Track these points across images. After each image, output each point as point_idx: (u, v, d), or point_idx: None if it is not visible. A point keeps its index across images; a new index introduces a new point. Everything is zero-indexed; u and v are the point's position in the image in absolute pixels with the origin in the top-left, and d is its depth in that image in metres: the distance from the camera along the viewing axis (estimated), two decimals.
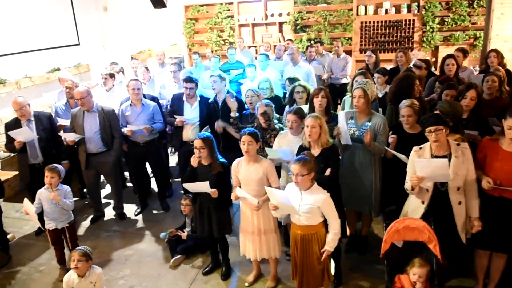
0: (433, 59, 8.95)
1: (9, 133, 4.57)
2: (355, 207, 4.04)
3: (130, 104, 5.02)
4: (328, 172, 3.39)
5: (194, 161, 3.67)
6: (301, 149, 3.60)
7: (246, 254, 3.73)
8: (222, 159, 3.75)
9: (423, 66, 5.40)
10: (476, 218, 3.19)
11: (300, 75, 6.19)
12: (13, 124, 4.67)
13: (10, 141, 4.63)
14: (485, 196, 3.23)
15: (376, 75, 5.23)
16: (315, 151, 3.50)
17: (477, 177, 3.21)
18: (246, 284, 3.86)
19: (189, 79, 4.93)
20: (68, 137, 4.69)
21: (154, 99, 5.39)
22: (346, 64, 7.21)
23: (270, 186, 3.51)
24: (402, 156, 3.52)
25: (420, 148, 3.27)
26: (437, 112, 3.48)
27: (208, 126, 5.05)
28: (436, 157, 3.16)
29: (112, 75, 5.72)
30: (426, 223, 3.04)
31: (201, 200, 3.76)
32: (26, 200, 3.83)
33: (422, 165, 3.07)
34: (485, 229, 3.19)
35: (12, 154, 5.85)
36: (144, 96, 5.16)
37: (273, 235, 3.65)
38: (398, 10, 9.09)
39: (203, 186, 3.61)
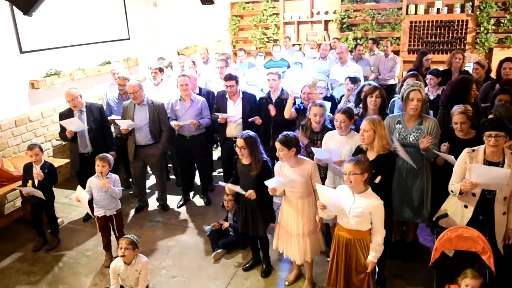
0: (487, 61, 8.54)
1: (60, 122, 4.79)
2: (401, 216, 3.87)
3: (180, 99, 5.11)
4: (378, 179, 3.25)
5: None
6: (358, 150, 3.52)
7: (290, 257, 3.68)
8: (265, 158, 3.73)
9: (485, 66, 5.19)
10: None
11: (346, 75, 6.11)
12: (66, 114, 4.88)
13: (63, 130, 4.86)
14: None
15: (428, 76, 5.06)
16: (370, 155, 3.37)
17: None
18: (287, 283, 3.84)
19: (228, 77, 4.95)
20: (122, 125, 4.84)
21: (209, 93, 5.46)
22: (395, 65, 7.03)
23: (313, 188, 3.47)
24: (450, 158, 3.38)
25: (473, 151, 3.13)
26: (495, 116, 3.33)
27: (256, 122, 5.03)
28: (489, 162, 3.04)
29: (161, 70, 5.85)
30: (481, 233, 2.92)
31: (244, 199, 3.76)
32: (79, 187, 3.98)
33: (480, 172, 2.93)
34: None
35: (64, 143, 6.11)
36: (200, 90, 5.21)
37: (315, 235, 3.60)
38: (450, 10, 8.74)
39: (238, 189, 3.66)
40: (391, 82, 7.02)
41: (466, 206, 3.15)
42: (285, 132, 3.51)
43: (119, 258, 3.51)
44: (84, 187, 4.08)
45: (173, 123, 5.07)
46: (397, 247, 4.13)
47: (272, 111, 4.83)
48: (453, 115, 3.58)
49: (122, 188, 4.23)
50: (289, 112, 4.70)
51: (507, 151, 3.04)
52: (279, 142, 3.41)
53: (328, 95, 5.18)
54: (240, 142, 3.63)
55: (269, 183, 3.40)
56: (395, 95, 5.06)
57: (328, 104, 4.70)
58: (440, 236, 3.01)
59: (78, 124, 4.76)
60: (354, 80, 5.08)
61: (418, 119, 3.69)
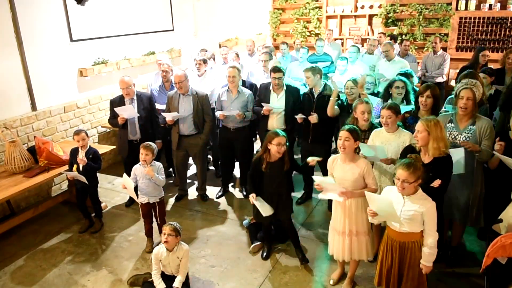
0: None
1: (115, 109, 4.92)
2: (449, 216, 3.78)
3: (227, 90, 5.14)
4: (437, 183, 3.10)
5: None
6: (408, 149, 3.38)
7: (335, 255, 3.61)
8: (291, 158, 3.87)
9: None
10: None
11: (394, 70, 5.95)
12: (118, 101, 5.03)
13: (114, 116, 5.00)
14: None
15: (481, 75, 4.82)
16: (425, 158, 3.22)
17: None
18: (331, 282, 3.79)
19: (277, 69, 4.92)
20: (168, 117, 4.92)
21: (252, 86, 5.47)
22: (444, 62, 6.79)
23: (366, 187, 3.39)
24: (509, 161, 3.21)
25: None
26: None
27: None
28: None
29: (205, 61, 5.90)
30: None
31: (269, 190, 3.87)
32: (125, 175, 4.08)
33: None
34: None
35: (108, 130, 6.29)
36: (244, 82, 5.23)
37: (365, 237, 3.49)
38: (503, 6, 8.30)
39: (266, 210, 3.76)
40: (439, 80, 6.77)
41: None
42: (351, 125, 3.50)
43: (162, 245, 3.58)
44: (130, 173, 4.18)
45: (218, 113, 5.12)
46: (441, 251, 3.99)
47: (312, 119, 4.73)
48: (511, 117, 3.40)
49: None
50: (332, 109, 4.59)
51: None
52: (348, 131, 3.32)
53: (375, 91, 5.05)
54: (283, 139, 3.67)
55: (318, 179, 3.38)
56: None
57: (375, 100, 4.60)
58: (494, 242, 2.88)
59: (131, 112, 4.90)
60: (406, 76, 4.89)
61: (471, 119, 3.53)
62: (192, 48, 7.82)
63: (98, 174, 4.78)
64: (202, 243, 4.47)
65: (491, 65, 6.91)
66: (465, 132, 3.54)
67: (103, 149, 5.29)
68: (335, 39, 9.53)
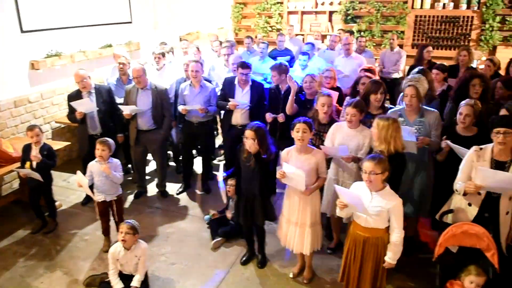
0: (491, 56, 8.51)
1: (71, 103, 4.72)
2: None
3: (190, 84, 5.06)
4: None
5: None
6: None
7: (290, 246, 3.64)
8: (274, 149, 3.68)
9: (498, 64, 5.17)
10: None
11: (352, 67, 6.06)
12: (75, 96, 4.83)
13: (71, 111, 4.81)
14: None
15: (434, 71, 5.00)
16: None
17: None
18: (291, 275, 3.83)
19: (244, 65, 4.88)
20: (126, 110, 4.78)
21: (209, 82, 5.40)
22: (400, 59, 6.97)
23: (319, 177, 3.45)
24: (461, 151, 3.33)
25: (481, 149, 3.08)
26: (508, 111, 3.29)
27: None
28: (497, 161, 3.01)
29: (164, 55, 5.78)
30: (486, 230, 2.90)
31: (244, 189, 3.72)
32: (79, 173, 3.93)
33: (485, 175, 2.89)
34: None
35: (62, 125, 6.04)
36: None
37: (316, 227, 3.57)
38: (456, 6, 8.64)
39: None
40: (395, 75, 6.96)
41: (470, 205, 3.12)
42: (305, 117, 3.50)
43: (119, 243, 3.49)
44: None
45: (180, 107, 5.03)
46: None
47: (280, 118, 4.72)
48: (461, 106, 3.55)
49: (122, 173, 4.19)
50: (291, 108, 4.58)
51: None
52: (304, 123, 3.34)
53: (335, 86, 5.11)
54: (249, 133, 3.51)
55: (288, 168, 3.35)
56: None
57: (335, 95, 4.66)
58: (445, 232, 3.00)
59: (89, 105, 4.72)
60: (370, 72, 4.96)
61: (419, 112, 3.67)
62: (151, 41, 7.62)
63: (52, 172, 4.59)
64: (162, 241, 4.39)
65: (444, 62, 7.20)
66: (415, 125, 3.66)
67: (57, 145, 5.08)
68: (296, 35, 9.60)
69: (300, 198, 3.48)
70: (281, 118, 4.71)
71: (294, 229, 3.57)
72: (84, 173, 4.01)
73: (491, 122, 3.03)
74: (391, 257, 2.97)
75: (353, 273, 3.19)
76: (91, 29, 6.48)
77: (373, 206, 2.94)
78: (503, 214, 3.03)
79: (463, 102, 3.56)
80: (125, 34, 7.19)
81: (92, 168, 4.01)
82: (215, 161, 6.21)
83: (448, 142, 3.41)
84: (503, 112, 3.34)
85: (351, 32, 7.88)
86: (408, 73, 6.37)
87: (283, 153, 3.58)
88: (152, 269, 3.90)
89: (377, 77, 5.10)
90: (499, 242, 3.07)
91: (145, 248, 3.54)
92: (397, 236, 2.93)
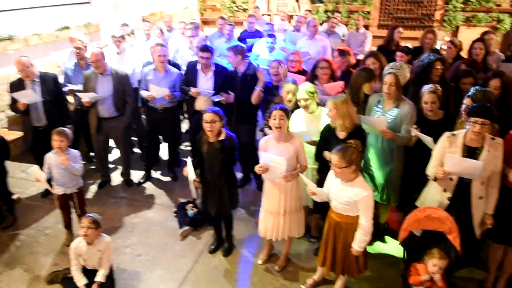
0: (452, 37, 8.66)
1: (12, 94, 4.42)
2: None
3: (154, 69, 4.88)
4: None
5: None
6: (327, 128, 3.49)
7: (267, 235, 3.61)
8: (230, 133, 3.60)
9: (458, 45, 5.23)
10: (490, 215, 3.10)
11: (316, 49, 6.00)
12: (17, 84, 4.50)
13: (14, 101, 4.48)
14: (507, 190, 3.12)
15: (398, 53, 5.01)
16: (341, 134, 3.34)
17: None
18: (260, 262, 3.81)
19: (205, 48, 4.72)
20: (85, 98, 4.55)
21: (176, 66, 5.22)
22: (365, 40, 6.96)
23: (297, 164, 3.43)
24: (427, 139, 3.38)
25: (453, 135, 3.12)
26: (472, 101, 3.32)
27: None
28: (469, 147, 3.04)
29: (123, 37, 5.53)
30: (449, 214, 2.96)
31: (210, 179, 3.64)
32: (36, 167, 3.75)
33: (453, 162, 2.95)
34: (503, 223, 3.11)
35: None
36: (169, 61, 5.01)
37: (298, 215, 3.56)
38: None
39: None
40: (360, 57, 6.92)
41: (445, 190, 3.17)
42: (282, 104, 3.44)
43: (81, 238, 3.36)
44: (39, 163, 3.83)
45: (144, 93, 4.84)
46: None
47: (231, 98, 4.66)
48: (423, 94, 3.55)
49: (83, 162, 4.02)
50: (257, 98, 4.49)
51: (487, 136, 3.02)
52: (281, 110, 3.27)
53: (301, 69, 5.04)
54: (210, 116, 3.43)
55: (267, 156, 3.27)
56: None
57: (301, 78, 4.61)
58: (409, 216, 3.04)
59: (31, 97, 4.40)
60: (343, 53, 4.93)
61: (396, 102, 3.66)
62: (112, 22, 7.28)
63: (9, 163, 4.35)
64: (127, 232, 4.28)
65: (409, 43, 7.26)
66: (388, 113, 3.67)
67: (12, 135, 4.84)
68: (262, 15, 9.43)
69: (281, 188, 3.41)
70: (194, 93, 4.68)
71: (277, 219, 3.51)
72: (41, 166, 3.82)
73: (469, 110, 3.03)
74: (357, 244, 3.00)
75: (327, 256, 3.24)
76: (47, 10, 6.14)
77: (342, 196, 2.96)
78: (475, 198, 3.09)
79: (424, 89, 3.55)
80: (83, 15, 6.87)
81: (49, 161, 3.81)
82: (182, 147, 6.09)
83: (416, 132, 3.43)
84: (467, 101, 3.36)
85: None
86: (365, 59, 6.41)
87: (261, 142, 3.50)
88: (118, 262, 3.80)
89: (352, 60, 5.09)
90: (471, 226, 3.15)
91: (109, 242, 3.43)
92: (364, 226, 2.95)
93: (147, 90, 4.85)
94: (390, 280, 3.56)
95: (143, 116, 5.42)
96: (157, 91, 4.73)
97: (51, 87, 4.56)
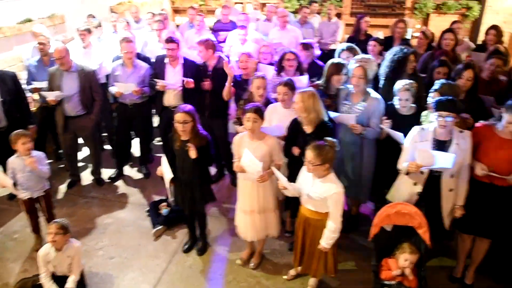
0: (424, 27, 8.73)
1: None
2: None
3: (122, 64, 4.73)
4: (295, 150, 3.29)
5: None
6: (294, 122, 3.47)
7: (248, 237, 3.60)
8: (204, 132, 3.54)
9: (430, 37, 5.27)
10: (461, 206, 3.17)
11: (287, 39, 5.94)
12: None
13: None
14: (474, 182, 3.19)
15: (371, 43, 5.01)
16: (307, 128, 3.35)
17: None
18: (239, 262, 3.79)
19: (170, 40, 4.59)
20: (50, 96, 4.38)
21: (145, 60, 5.07)
22: (337, 29, 6.92)
23: (272, 163, 3.39)
24: (397, 135, 3.40)
25: (423, 129, 3.17)
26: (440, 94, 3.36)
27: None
28: (438, 141, 3.10)
29: (89, 31, 5.31)
30: (418, 209, 3.00)
31: (182, 177, 3.58)
32: (0, 172, 3.59)
33: (425, 156, 2.99)
34: (471, 214, 3.18)
35: None
36: (138, 55, 4.87)
37: (272, 214, 3.54)
38: None
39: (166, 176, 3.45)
40: (333, 46, 6.90)
41: (415, 184, 3.22)
42: (255, 104, 3.39)
43: (49, 244, 3.26)
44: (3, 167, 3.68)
45: (113, 89, 4.71)
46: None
47: (207, 85, 4.56)
48: (398, 90, 3.57)
49: (51, 160, 3.86)
50: (228, 94, 4.41)
51: (455, 129, 3.08)
52: (255, 112, 3.21)
53: (273, 62, 4.99)
54: (182, 116, 3.35)
55: (245, 156, 3.22)
56: None
57: (272, 69, 4.57)
58: (379, 212, 3.07)
59: None
60: (306, 47, 4.89)
61: (363, 95, 3.68)
62: (78, 13, 7.00)
63: None
64: (99, 233, 4.19)
65: (381, 31, 7.28)
66: (355, 107, 3.69)
67: None
68: (235, 3, 9.27)
69: (257, 186, 3.38)
70: (161, 87, 4.61)
71: (253, 217, 3.49)
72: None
73: (435, 104, 3.07)
74: (324, 241, 3.03)
75: (300, 252, 3.28)
76: (7, 2, 5.83)
77: (313, 192, 2.97)
78: (445, 191, 3.16)
79: (399, 85, 3.56)
80: (47, 6, 6.55)
81: (12, 165, 3.65)
82: (154, 142, 5.98)
83: (386, 128, 3.46)
84: (434, 95, 3.39)
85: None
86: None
87: (236, 139, 3.47)
88: (89, 266, 3.72)
89: (316, 52, 5.07)
90: (440, 218, 3.22)
91: (78, 247, 3.34)
92: (332, 223, 2.97)
93: (115, 86, 4.71)
94: (364, 273, 3.60)
95: (115, 114, 5.27)
96: (124, 87, 4.62)
97: (10, 86, 4.30)
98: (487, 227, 3.26)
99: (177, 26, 8.46)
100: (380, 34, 7.20)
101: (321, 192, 2.93)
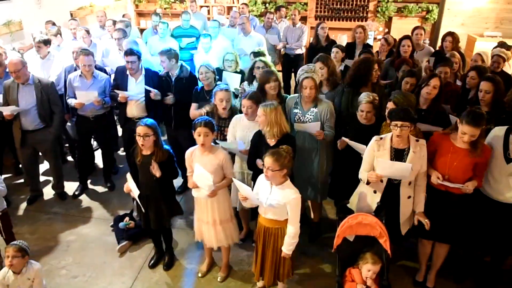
0: (386, 30, 8.96)
1: None
2: (303, 194, 4.02)
3: (80, 75, 4.61)
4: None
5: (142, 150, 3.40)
6: (257, 135, 3.48)
7: (203, 240, 3.61)
8: (166, 146, 3.51)
9: (392, 44, 5.39)
10: (421, 213, 3.26)
11: (251, 46, 5.96)
12: None
13: None
14: (431, 189, 3.30)
15: (334, 49, 5.09)
16: (271, 141, 3.37)
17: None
18: (200, 274, 3.77)
19: (130, 52, 4.49)
20: (5, 111, 4.23)
21: (101, 70, 4.96)
22: (302, 34, 6.98)
23: (224, 177, 3.41)
24: (360, 147, 3.47)
25: (381, 139, 3.24)
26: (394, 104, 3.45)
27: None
28: (396, 149, 3.18)
29: (46, 42, 5.12)
30: (378, 219, 3.07)
31: (145, 191, 3.52)
32: None
33: (384, 166, 3.08)
34: (430, 220, 3.27)
35: None
36: (95, 66, 4.76)
37: (229, 224, 3.55)
38: None
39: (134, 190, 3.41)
40: (299, 51, 7.00)
41: (375, 192, 3.30)
42: (205, 117, 3.38)
43: (6, 268, 3.14)
44: None
45: (72, 102, 4.57)
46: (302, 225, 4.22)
47: (168, 100, 4.54)
48: (361, 103, 3.62)
49: (10, 175, 3.69)
50: (194, 114, 4.35)
51: (412, 138, 3.17)
52: (205, 126, 3.21)
53: (238, 70, 4.97)
54: (143, 129, 3.32)
55: (197, 170, 3.22)
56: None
57: (238, 77, 4.56)
58: (342, 223, 3.13)
59: None
60: (258, 54, 4.89)
61: (314, 102, 3.75)
62: (36, 19, 6.78)
63: None
64: (62, 251, 4.07)
65: (346, 33, 7.40)
66: (308, 114, 3.76)
67: None
68: (200, 7, 9.21)
69: (211, 200, 3.40)
70: (122, 98, 4.54)
71: (207, 227, 3.52)
72: None
73: (389, 114, 3.19)
74: (286, 248, 3.08)
75: (260, 261, 3.29)
76: None
77: (272, 199, 3.01)
78: (404, 198, 3.26)
79: (362, 98, 3.61)
80: (3, 13, 6.31)
81: None
82: (119, 152, 5.88)
83: (348, 140, 3.52)
84: (390, 105, 3.48)
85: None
86: (309, 53, 6.47)
87: (187, 154, 3.45)
88: (52, 286, 3.61)
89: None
90: (398, 224, 3.31)
91: (38, 269, 3.23)
92: (292, 229, 3.03)
93: (74, 97, 4.59)
94: (331, 279, 3.63)
95: (69, 124, 5.12)
96: (85, 96, 4.51)
97: None
98: (445, 232, 3.37)
99: (142, 31, 8.36)
100: (344, 37, 7.35)
101: (280, 199, 2.98)
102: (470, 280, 3.73)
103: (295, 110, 3.81)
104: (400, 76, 4.42)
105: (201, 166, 3.21)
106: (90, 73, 4.60)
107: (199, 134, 3.23)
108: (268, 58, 5.03)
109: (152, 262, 3.90)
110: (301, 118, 3.77)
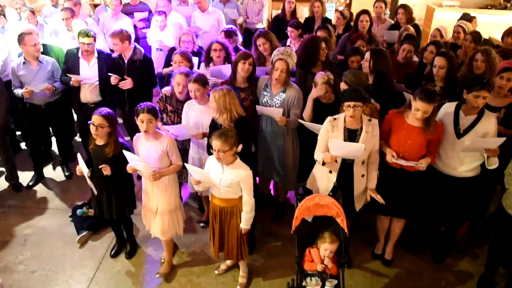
0: (348, 1, 8.87)
1: None
2: (270, 176, 4.06)
3: (24, 62, 4.34)
4: (239, 148, 3.19)
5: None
6: (212, 121, 3.43)
7: (151, 231, 3.58)
8: (121, 139, 3.39)
9: (348, 17, 5.35)
10: (372, 189, 3.33)
11: (209, 22, 5.79)
12: None
13: None
14: (386, 166, 3.36)
15: (289, 28, 4.96)
16: (226, 125, 3.31)
17: (380, 148, 3.30)
18: (162, 260, 3.75)
19: (86, 34, 4.29)
20: None
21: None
22: (262, 8, 6.80)
23: (171, 164, 3.36)
24: (316, 128, 3.47)
25: (335, 119, 3.26)
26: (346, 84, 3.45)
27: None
28: (349, 130, 3.21)
29: None
30: (335, 199, 3.12)
31: (100, 182, 3.43)
32: None
33: (338, 147, 3.13)
34: (386, 196, 3.34)
35: None
36: (45, 47, 4.56)
37: (172, 215, 3.49)
38: None
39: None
40: (259, 26, 6.82)
41: (330, 172, 3.34)
42: (148, 103, 3.27)
43: None
44: None
45: (19, 91, 4.33)
46: (264, 203, 4.26)
47: (126, 85, 4.35)
48: (317, 84, 3.59)
49: None
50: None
51: (364, 118, 3.20)
52: (148, 112, 3.15)
53: (195, 50, 4.81)
54: (97, 119, 3.20)
55: (132, 160, 3.17)
56: None
57: (196, 60, 4.42)
58: (300, 205, 3.15)
59: None
60: (229, 34, 4.74)
61: (283, 86, 3.69)
62: None
63: None
64: (19, 246, 3.94)
65: (306, 6, 7.27)
66: (275, 98, 3.71)
67: None
68: None
69: (154, 186, 3.35)
70: (75, 82, 4.35)
71: (153, 216, 3.48)
72: None
73: (341, 96, 3.19)
74: (244, 223, 3.17)
75: (218, 242, 3.34)
76: None
77: (225, 179, 3.06)
78: (358, 177, 3.32)
79: (317, 79, 3.57)
80: None
81: None
82: (77, 137, 5.67)
83: (301, 121, 3.53)
84: (342, 85, 3.48)
85: None
86: (273, 27, 6.33)
87: (134, 139, 3.42)
88: (10, 283, 3.51)
89: (239, 39, 4.95)
90: (352, 202, 3.39)
91: None
92: (248, 204, 3.11)
93: (20, 87, 4.34)
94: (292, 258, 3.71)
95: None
96: (36, 89, 4.29)
97: None
98: (401, 208, 3.47)
99: (95, 6, 7.95)
100: (306, 10, 7.23)
101: (233, 177, 3.03)
102: (426, 250, 3.88)
103: (264, 93, 3.77)
104: (345, 55, 4.40)
105: (134, 156, 3.18)
106: (36, 58, 4.35)
107: (142, 120, 3.16)
108: (240, 39, 4.92)
109: (113, 251, 3.85)
110: (268, 101, 3.73)
